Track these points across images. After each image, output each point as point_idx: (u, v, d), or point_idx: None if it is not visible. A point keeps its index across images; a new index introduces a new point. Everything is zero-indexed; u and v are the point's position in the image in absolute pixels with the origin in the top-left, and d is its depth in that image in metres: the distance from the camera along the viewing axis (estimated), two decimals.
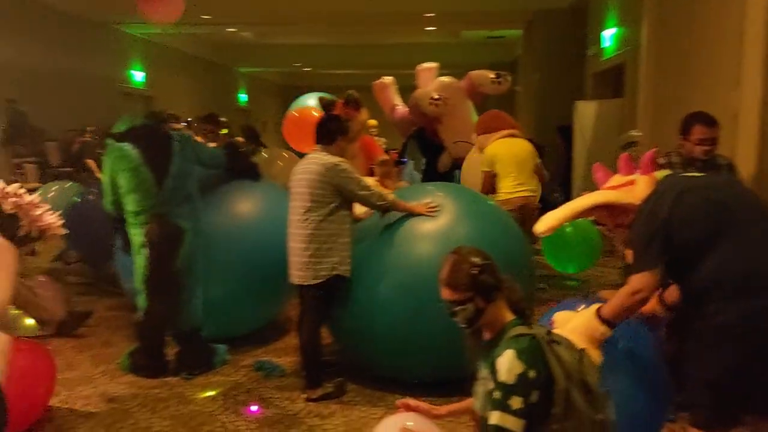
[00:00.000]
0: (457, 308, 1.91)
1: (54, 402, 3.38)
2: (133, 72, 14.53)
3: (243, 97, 21.57)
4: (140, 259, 3.68)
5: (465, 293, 1.89)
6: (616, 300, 2.12)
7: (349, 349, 3.81)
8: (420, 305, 3.19)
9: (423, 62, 7.94)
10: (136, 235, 3.69)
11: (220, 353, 3.91)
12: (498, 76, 5.55)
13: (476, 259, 1.91)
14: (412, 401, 2.12)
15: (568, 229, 5.65)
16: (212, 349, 3.89)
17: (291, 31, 15.78)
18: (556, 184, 8.54)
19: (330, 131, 3.52)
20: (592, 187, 2.56)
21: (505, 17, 12.73)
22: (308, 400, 3.41)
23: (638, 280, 2.07)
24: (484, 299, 1.89)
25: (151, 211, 3.63)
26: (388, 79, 7.10)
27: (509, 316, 1.93)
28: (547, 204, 7.02)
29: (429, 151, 6.70)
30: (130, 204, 3.69)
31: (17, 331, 4.28)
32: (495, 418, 1.80)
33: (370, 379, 3.60)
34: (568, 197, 9.31)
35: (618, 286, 2.63)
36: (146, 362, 3.77)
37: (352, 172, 3.43)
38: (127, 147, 3.68)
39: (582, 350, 1.94)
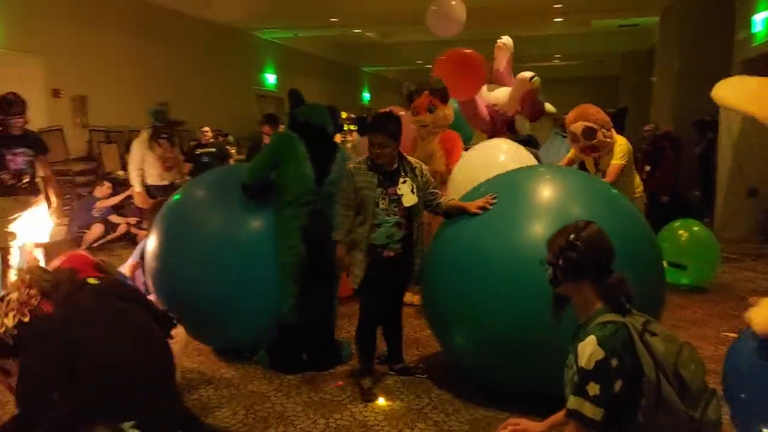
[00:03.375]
0: (546, 267, 2.02)
1: (199, 382, 3.69)
2: (266, 75, 15.35)
3: (366, 96, 22.08)
4: (287, 253, 3.71)
5: (550, 258, 2.00)
6: None
7: (446, 350, 3.64)
8: (530, 300, 2.84)
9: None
10: (285, 228, 3.70)
11: (346, 347, 4.05)
12: (532, 77, 5.10)
13: (574, 236, 1.95)
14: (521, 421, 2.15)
15: (683, 237, 5.32)
16: (340, 343, 4.05)
17: (415, 30, 15.89)
18: (668, 186, 7.88)
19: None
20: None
21: (639, 4, 12.02)
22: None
23: None
24: (563, 274, 1.95)
25: (310, 207, 3.69)
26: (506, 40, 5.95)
27: (598, 304, 1.91)
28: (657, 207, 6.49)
29: None
30: (286, 194, 3.72)
31: None
32: (572, 402, 1.79)
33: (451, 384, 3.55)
34: (708, 197, 8.63)
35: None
36: (287, 358, 3.83)
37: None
38: (297, 138, 3.77)
39: (684, 344, 1.86)
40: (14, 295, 2.44)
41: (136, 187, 6.20)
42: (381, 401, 3.42)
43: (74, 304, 2.37)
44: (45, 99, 8.53)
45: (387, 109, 4.36)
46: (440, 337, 3.61)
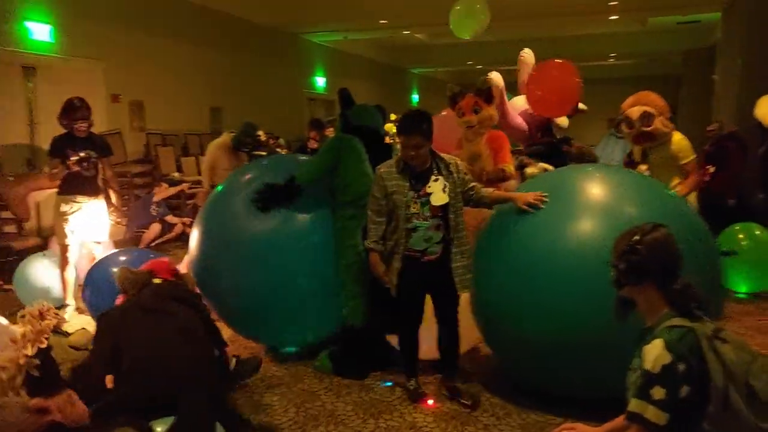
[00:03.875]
0: (610, 269, 1.99)
1: (251, 380, 3.71)
2: (316, 78, 15.52)
3: (415, 97, 22.06)
4: (349, 254, 3.71)
5: (614, 260, 1.97)
6: None
7: (496, 351, 3.60)
8: (585, 301, 2.80)
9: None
10: (346, 228, 3.71)
11: (395, 348, 4.03)
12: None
13: (638, 239, 1.92)
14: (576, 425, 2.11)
15: (744, 242, 5.07)
16: (390, 345, 4.02)
17: None
18: (734, 188, 7.46)
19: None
20: None
21: (699, 0, 11.61)
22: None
23: None
24: (626, 277, 1.93)
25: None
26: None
27: (665, 308, 1.87)
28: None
29: None
30: (347, 194, 3.74)
31: None
32: (634, 404, 1.75)
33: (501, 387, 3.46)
34: None
35: None
36: (352, 364, 3.79)
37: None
38: (357, 140, 3.81)
39: (759, 355, 1.78)
40: (27, 328, 2.59)
41: (204, 186, 6.39)
42: (430, 402, 3.40)
43: (135, 301, 2.64)
44: (105, 103, 8.84)
45: (416, 108, 4.15)
46: (489, 339, 3.56)
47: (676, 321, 1.81)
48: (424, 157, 3.26)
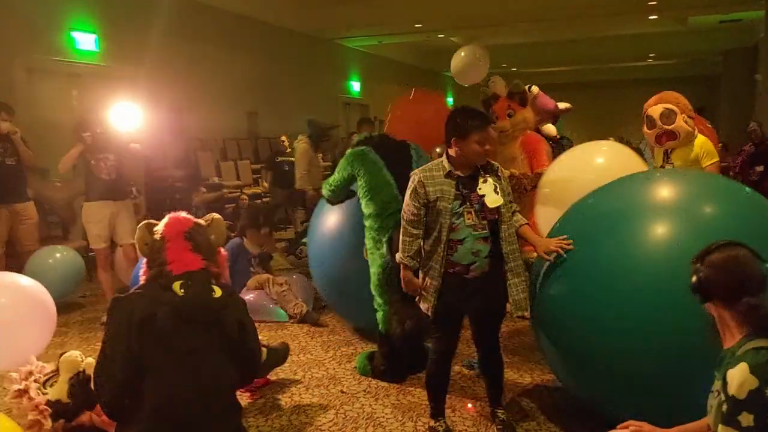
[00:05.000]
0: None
1: (291, 381, 3.79)
2: (351, 83, 15.62)
3: (450, 100, 22.03)
4: (376, 263, 3.71)
5: (691, 279, 1.91)
6: None
7: (555, 373, 3.26)
8: (654, 310, 2.47)
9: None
10: (374, 239, 3.70)
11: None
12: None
13: (701, 255, 1.89)
14: (643, 425, 2.05)
15: None
16: (427, 349, 4.02)
17: (499, 32, 15.72)
18: None
19: (445, 130, 2.96)
20: None
21: None
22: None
23: None
24: (703, 297, 1.88)
25: (395, 218, 3.54)
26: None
27: (744, 329, 1.80)
28: None
29: None
30: (370, 206, 3.71)
31: (272, 317, 5.03)
32: (722, 431, 1.68)
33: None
34: None
35: None
36: (387, 366, 3.80)
37: (408, 188, 2.92)
38: (369, 150, 3.84)
39: None
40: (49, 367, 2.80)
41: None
42: (470, 406, 3.38)
43: (149, 310, 2.32)
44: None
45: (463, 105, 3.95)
46: (550, 361, 3.18)
47: (762, 342, 1.73)
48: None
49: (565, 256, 2.81)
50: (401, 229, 2.95)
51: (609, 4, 11.76)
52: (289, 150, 9.04)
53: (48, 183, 6.60)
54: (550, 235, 3.06)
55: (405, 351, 3.82)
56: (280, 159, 8.94)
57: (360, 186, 3.80)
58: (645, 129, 4.06)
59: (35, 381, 3.01)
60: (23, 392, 2.96)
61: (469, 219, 2.83)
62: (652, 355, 2.50)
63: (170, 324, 2.31)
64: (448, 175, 2.87)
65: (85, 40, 8.26)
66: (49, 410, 2.93)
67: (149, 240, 2.59)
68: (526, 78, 22.48)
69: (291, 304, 5.00)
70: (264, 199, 9.38)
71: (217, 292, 2.48)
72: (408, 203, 2.91)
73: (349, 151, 4.00)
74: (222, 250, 2.74)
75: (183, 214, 2.67)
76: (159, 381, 2.29)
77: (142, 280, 2.56)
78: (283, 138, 9.24)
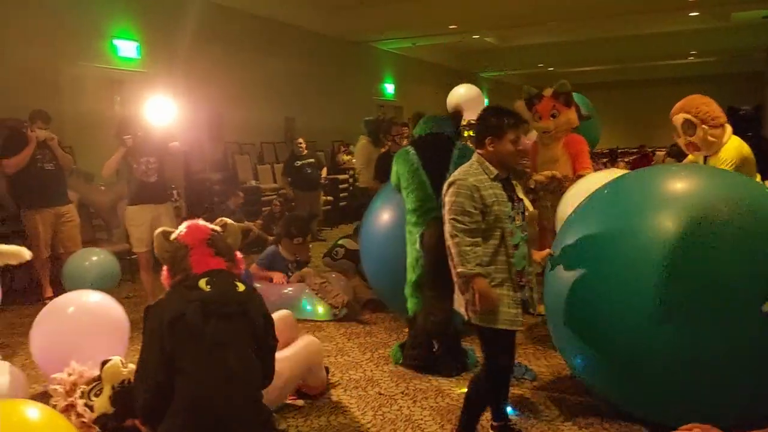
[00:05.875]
0: None
1: (330, 382, 3.80)
2: (385, 85, 15.66)
3: (485, 101, 21.84)
4: (412, 255, 3.94)
5: None
6: None
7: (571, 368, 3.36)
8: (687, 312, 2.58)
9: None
10: (411, 233, 3.94)
11: (471, 354, 4.02)
12: None
13: None
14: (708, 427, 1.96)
15: None
16: (465, 351, 4.02)
17: (535, 32, 15.56)
18: None
19: (479, 130, 2.89)
20: None
21: None
22: None
23: None
24: None
25: (430, 215, 3.80)
26: None
27: None
28: None
29: None
30: (409, 202, 3.96)
31: (314, 316, 5.10)
32: None
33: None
34: None
35: None
36: (418, 357, 3.97)
37: (453, 195, 2.72)
38: (410, 150, 4.08)
39: None
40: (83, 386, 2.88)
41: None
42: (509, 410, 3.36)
43: (178, 310, 2.39)
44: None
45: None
46: (565, 354, 3.30)
47: None
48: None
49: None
50: (456, 239, 2.66)
51: (649, 1, 11.53)
52: (305, 152, 9.08)
53: (92, 187, 6.79)
54: (562, 231, 3.28)
55: (444, 349, 3.94)
56: (299, 163, 8.97)
57: (401, 184, 4.06)
58: (674, 136, 3.94)
59: (81, 393, 3.03)
60: (70, 407, 3.00)
61: (518, 221, 2.79)
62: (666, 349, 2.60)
63: (199, 318, 2.38)
64: (495, 177, 2.77)
65: (127, 48, 8.48)
66: (96, 428, 2.97)
67: (169, 247, 2.66)
68: (562, 78, 22.30)
69: (332, 295, 5.09)
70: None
71: (241, 287, 2.57)
72: (463, 211, 2.67)
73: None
74: (238, 253, 2.81)
75: (200, 221, 2.76)
76: (189, 374, 2.35)
77: (166, 286, 2.64)
78: (300, 141, 9.31)
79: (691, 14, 12.99)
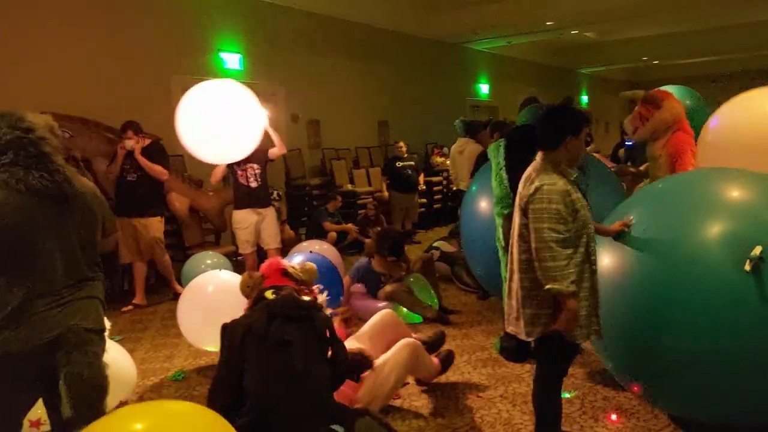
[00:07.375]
0: None
1: (428, 384, 3.82)
2: (479, 86, 15.51)
3: (584, 98, 21.14)
4: (499, 248, 4.11)
5: None
6: None
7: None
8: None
9: None
10: (497, 218, 4.15)
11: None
12: None
13: None
14: None
15: None
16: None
17: (636, 24, 14.88)
18: None
19: (553, 129, 2.65)
20: None
21: None
22: None
23: None
24: None
25: (508, 211, 3.88)
26: None
27: None
28: None
29: None
30: (495, 196, 4.19)
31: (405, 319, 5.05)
32: None
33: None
34: None
35: None
36: (513, 347, 3.91)
37: (545, 201, 2.49)
38: (497, 145, 4.21)
39: None
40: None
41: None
42: (614, 418, 3.24)
43: (247, 323, 2.56)
44: (286, 124, 9.59)
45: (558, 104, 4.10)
46: (607, 354, 3.20)
47: None
48: None
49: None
50: (552, 252, 2.43)
51: None
52: (406, 155, 9.22)
53: (202, 192, 7.20)
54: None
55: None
56: (400, 164, 9.13)
57: (491, 174, 4.26)
58: None
59: None
60: None
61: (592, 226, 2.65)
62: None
63: (264, 322, 2.52)
64: (574, 180, 2.60)
65: (231, 60, 8.93)
66: None
67: (251, 282, 2.86)
68: (669, 70, 21.02)
69: (418, 308, 5.08)
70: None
71: (306, 298, 2.73)
72: (560, 218, 2.46)
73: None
74: (315, 289, 2.93)
75: (278, 258, 3.10)
76: (254, 374, 2.47)
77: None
78: (401, 144, 9.44)
79: None
